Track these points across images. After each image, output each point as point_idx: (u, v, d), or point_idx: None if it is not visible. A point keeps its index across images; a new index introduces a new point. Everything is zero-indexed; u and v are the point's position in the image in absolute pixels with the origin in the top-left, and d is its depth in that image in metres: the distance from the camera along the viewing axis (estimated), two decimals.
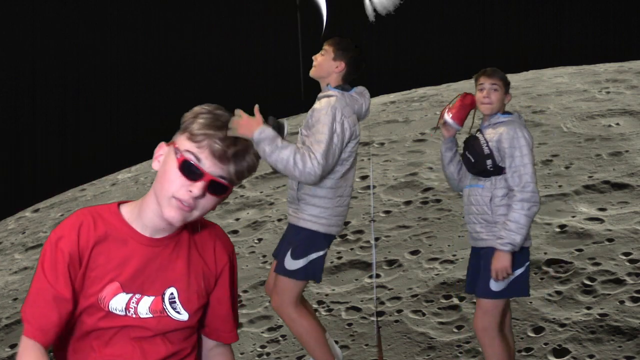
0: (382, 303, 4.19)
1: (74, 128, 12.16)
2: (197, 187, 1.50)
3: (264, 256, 5.22)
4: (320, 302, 4.26)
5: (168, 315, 1.58)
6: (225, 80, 11.99)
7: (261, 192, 6.73)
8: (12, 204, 8.73)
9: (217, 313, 1.69)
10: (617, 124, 6.83)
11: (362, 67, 3.27)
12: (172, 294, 1.59)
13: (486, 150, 3.01)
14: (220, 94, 11.62)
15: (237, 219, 6.16)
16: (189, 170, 1.50)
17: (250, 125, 2.92)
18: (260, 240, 5.58)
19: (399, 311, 4.05)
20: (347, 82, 3.21)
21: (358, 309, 4.17)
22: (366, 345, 3.75)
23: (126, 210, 1.61)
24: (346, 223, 5.37)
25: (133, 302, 1.56)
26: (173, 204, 1.51)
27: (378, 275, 4.57)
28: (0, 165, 10.64)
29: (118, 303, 1.55)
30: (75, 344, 1.58)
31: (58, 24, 11.84)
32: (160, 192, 1.53)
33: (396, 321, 3.95)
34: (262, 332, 4.12)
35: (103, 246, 1.55)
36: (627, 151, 6.00)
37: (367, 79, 3.30)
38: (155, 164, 1.56)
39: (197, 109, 1.56)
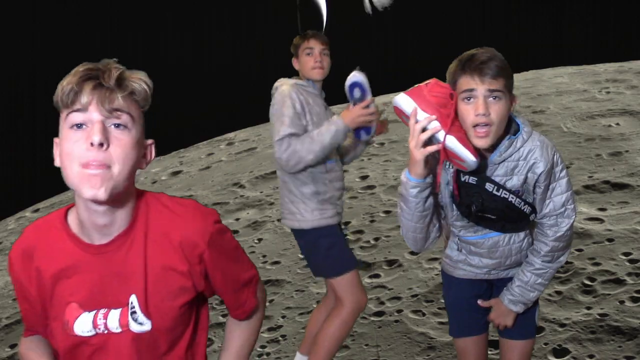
0: (382, 303, 4.19)
1: None
2: (94, 131, 1.25)
3: (264, 256, 5.22)
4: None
5: (130, 330, 1.38)
6: (225, 80, 11.99)
7: (261, 192, 6.73)
8: (12, 204, 8.72)
9: (223, 296, 1.55)
10: (617, 124, 6.84)
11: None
12: (132, 302, 1.38)
13: (527, 210, 2.03)
14: (219, 93, 11.62)
15: (237, 219, 6.16)
16: (78, 120, 1.28)
17: None
18: (260, 240, 5.58)
19: (399, 311, 4.05)
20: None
21: None
22: (366, 345, 3.75)
23: (72, 218, 1.41)
24: (346, 223, 5.37)
25: (100, 319, 1.38)
26: (85, 176, 1.25)
27: (378, 275, 4.58)
28: (0, 165, 10.63)
29: (84, 324, 1.38)
30: None
31: (58, 24, 11.85)
32: (69, 173, 1.27)
33: (396, 321, 3.95)
34: (262, 332, 4.12)
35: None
36: (627, 151, 6.00)
37: (370, 79, 2.98)
38: (57, 160, 1.34)
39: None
